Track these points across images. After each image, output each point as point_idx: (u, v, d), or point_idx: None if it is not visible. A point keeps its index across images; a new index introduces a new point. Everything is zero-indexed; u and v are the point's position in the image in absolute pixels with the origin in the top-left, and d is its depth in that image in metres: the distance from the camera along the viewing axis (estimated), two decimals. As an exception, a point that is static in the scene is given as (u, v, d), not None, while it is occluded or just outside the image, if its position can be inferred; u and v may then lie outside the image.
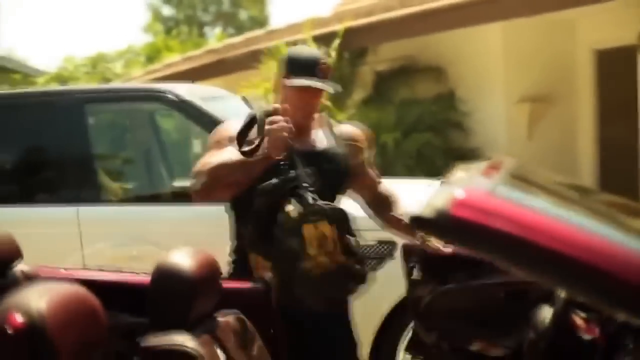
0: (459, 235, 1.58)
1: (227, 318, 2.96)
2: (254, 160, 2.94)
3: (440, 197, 1.62)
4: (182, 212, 4.88)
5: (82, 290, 2.02)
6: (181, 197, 5.19)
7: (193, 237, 4.01)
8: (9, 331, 1.79)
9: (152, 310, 2.76)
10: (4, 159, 5.41)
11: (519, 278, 3.26)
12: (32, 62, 21.18)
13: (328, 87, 3.24)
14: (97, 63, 25.85)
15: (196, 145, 6.79)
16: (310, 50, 3.63)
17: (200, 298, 2.76)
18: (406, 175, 8.19)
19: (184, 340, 2.62)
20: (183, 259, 2.77)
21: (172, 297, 2.71)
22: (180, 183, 5.56)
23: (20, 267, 3.11)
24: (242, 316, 3.03)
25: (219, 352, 2.78)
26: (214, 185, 3.03)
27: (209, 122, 4.82)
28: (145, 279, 3.14)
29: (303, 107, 3.22)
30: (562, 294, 2.45)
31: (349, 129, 3.53)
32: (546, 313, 2.58)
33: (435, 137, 9.49)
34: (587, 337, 2.51)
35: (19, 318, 1.81)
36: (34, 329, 1.81)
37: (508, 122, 9.48)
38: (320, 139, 3.37)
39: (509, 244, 1.56)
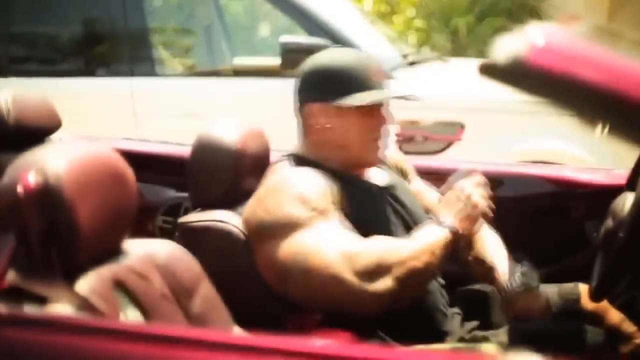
0: (535, 83, 1.36)
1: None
2: (444, 245, 2.01)
3: (514, 43, 1.38)
4: (242, 87, 4.69)
5: (108, 152, 1.81)
6: (240, 72, 5.02)
7: (253, 113, 3.79)
8: (20, 192, 1.60)
9: (192, 184, 2.56)
10: (59, 31, 5.26)
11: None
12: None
13: (412, 95, 2.24)
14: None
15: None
16: (347, 55, 2.24)
17: (244, 173, 2.55)
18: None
19: (225, 216, 2.42)
20: (226, 130, 2.55)
21: (213, 170, 2.50)
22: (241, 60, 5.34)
23: (59, 135, 2.96)
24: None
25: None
26: (406, 293, 1.98)
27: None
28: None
29: (372, 137, 2.23)
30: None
31: (392, 154, 2.55)
32: (627, 201, 2.33)
33: (510, 22, 9.05)
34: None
35: (32, 177, 1.62)
36: (49, 189, 1.62)
37: (587, 7, 8.99)
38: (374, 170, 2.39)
39: (592, 93, 1.32)
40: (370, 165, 2.23)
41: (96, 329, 1.42)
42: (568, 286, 2.40)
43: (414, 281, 1.92)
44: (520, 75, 1.36)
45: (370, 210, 2.15)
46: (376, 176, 2.28)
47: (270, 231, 2.00)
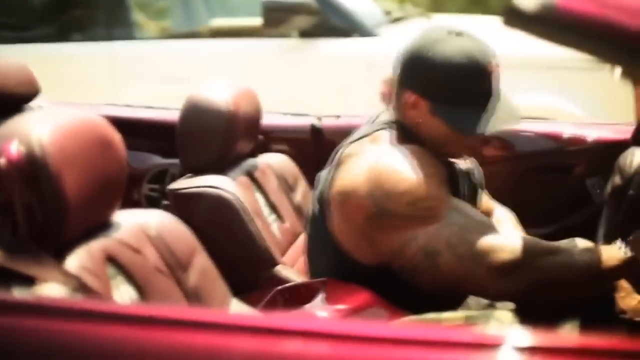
0: (566, 29, 1.25)
1: (269, 159, 2.66)
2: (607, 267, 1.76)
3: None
4: (222, 48, 4.57)
5: (95, 119, 1.70)
6: (220, 33, 4.92)
7: (238, 75, 3.69)
8: (2, 163, 1.48)
9: (182, 149, 2.45)
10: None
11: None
12: None
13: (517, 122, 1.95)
14: None
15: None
16: (465, 54, 1.87)
17: (237, 135, 2.44)
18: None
19: (217, 181, 2.32)
20: (217, 91, 2.44)
21: (204, 133, 2.39)
22: (220, 21, 5.23)
23: (38, 103, 2.83)
24: (287, 158, 2.74)
25: (258, 195, 2.49)
26: (543, 290, 1.78)
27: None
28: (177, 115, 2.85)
29: (468, 148, 2.02)
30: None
31: None
32: (635, 157, 2.25)
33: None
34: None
35: (15, 147, 1.50)
36: (33, 160, 1.50)
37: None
38: None
39: (624, 38, 1.22)
40: (456, 158, 2.08)
41: (92, 312, 1.31)
42: (565, 242, 2.32)
43: (545, 291, 1.77)
44: (550, 21, 1.25)
45: (460, 193, 1.99)
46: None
47: (394, 220, 1.79)
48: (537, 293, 1.76)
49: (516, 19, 1.25)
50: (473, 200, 2.12)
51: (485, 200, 2.33)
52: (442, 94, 1.87)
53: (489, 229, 1.83)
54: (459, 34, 1.89)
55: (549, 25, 1.26)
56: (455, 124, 1.88)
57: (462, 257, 1.76)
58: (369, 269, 1.87)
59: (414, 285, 1.83)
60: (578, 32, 1.25)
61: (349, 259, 1.90)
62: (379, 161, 1.84)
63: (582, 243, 2.11)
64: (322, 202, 1.96)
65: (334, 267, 1.94)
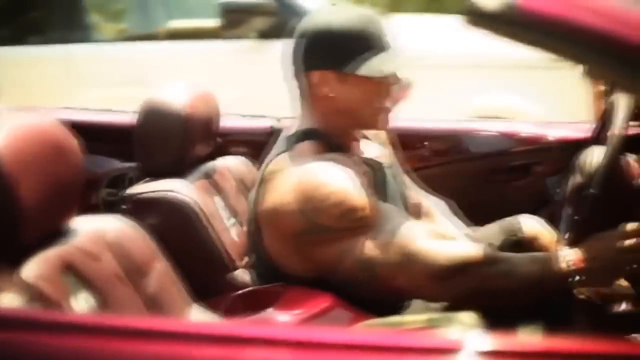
0: (528, 29, 1.26)
1: (227, 162, 2.64)
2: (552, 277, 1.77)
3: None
4: (182, 50, 4.54)
5: (51, 123, 1.66)
6: (177, 35, 4.89)
7: (196, 77, 3.68)
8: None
9: (140, 153, 2.42)
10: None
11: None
12: None
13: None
14: None
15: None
16: (351, 15, 1.94)
17: (194, 138, 2.42)
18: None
19: (174, 186, 2.30)
20: (174, 94, 2.41)
21: (162, 136, 2.36)
22: (178, 23, 5.20)
23: (-8, 106, 2.79)
24: (246, 160, 2.72)
25: (217, 199, 2.47)
26: (481, 296, 1.79)
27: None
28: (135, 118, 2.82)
29: (385, 103, 1.99)
30: (616, 131, 2.12)
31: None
32: (595, 155, 2.26)
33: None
34: (640, 181, 2.21)
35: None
36: None
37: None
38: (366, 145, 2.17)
39: (586, 37, 1.22)
40: (379, 129, 2.09)
41: (50, 323, 1.28)
42: (508, 220, 2.35)
43: (485, 298, 1.78)
44: (512, 21, 1.25)
45: (385, 192, 2.01)
46: (374, 151, 2.12)
47: (326, 234, 1.79)
48: (476, 299, 1.75)
49: (478, 19, 1.24)
50: (401, 196, 2.13)
51: (415, 191, 2.34)
52: (343, 54, 1.90)
53: (421, 231, 1.83)
54: (332, 4, 1.98)
55: (511, 25, 1.26)
56: (368, 72, 1.90)
57: (399, 264, 1.76)
58: (305, 282, 1.86)
59: (353, 295, 1.83)
60: (540, 31, 1.25)
61: (283, 274, 1.89)
62: (305, 176, 1.83)
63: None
64: (253, 220, 1.95)
65: (272, 281, 1.93)
